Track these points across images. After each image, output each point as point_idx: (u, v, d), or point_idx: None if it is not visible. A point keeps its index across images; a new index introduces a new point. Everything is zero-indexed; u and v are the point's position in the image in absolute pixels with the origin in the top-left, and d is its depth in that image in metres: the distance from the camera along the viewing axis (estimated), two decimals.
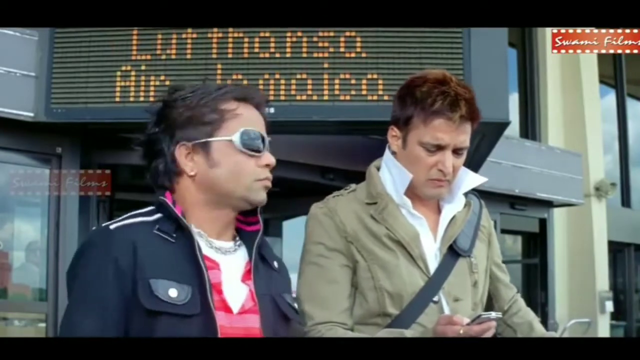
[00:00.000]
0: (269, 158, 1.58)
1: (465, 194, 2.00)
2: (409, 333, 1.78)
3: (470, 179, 1.96)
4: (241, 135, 1.55)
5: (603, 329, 8.77)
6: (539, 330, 2.03)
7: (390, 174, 1.94)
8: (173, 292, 1.43)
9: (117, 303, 1.42)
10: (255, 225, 1.63)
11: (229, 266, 1.56)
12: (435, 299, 1.84)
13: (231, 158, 1.55)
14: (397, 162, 1.93)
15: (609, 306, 8.86)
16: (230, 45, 4.04)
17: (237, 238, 1.62)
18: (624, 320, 10.23)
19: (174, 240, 1.49)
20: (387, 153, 1.98)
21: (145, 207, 1.57)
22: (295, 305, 1.68)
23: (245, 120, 1.57)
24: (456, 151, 1.87)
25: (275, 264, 1.67)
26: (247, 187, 1.56)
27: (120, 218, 1.52)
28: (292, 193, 5.69)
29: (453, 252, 1.90)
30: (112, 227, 1.49)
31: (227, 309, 1.50)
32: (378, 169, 2.00)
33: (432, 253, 1.88)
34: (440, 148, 1.85)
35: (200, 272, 1.47)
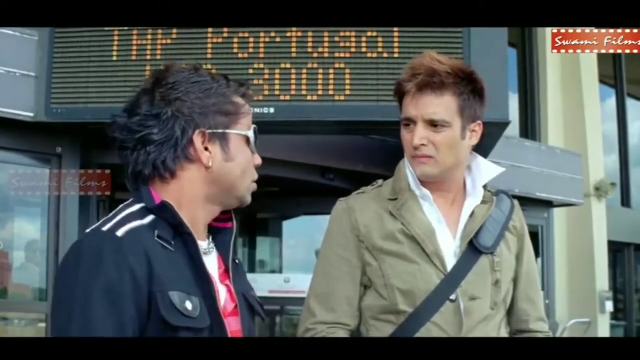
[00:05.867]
0: (259, 158, 1.53)
1: (497, 193, 1.98)
2: None
3: (490, 170, 1.94)
4: (254, 132, 1.51)
5: (603, 329, 8.76)
6: None
7: (410, 169, 1.93)
8: (189, 305, 1.35)
9: (133, 313, 1.32)
10: (228, 222, 1.55)
11: (212, 269, 1.48)
12: (453, 297, 1.81)
13: (244, 154, 1.49)
14: None
15: (609, 306, 8.85)
16: (230, 45, 4.04)
17: (210, 236, 1.54)
18: (624, 320, 10.23)
19: (173, 249, 1.39)
20: None
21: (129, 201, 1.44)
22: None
23: (251, 119, 1.52)
24: (430, 125, 1.84)
25: (237, 260, 1.58)
26: (247, 187, 1.51)
27: (115, 220, 1.39)
28: (292, 193, 5.69)
29: (474, 250, 1.86)
30: (118, 234, 1.35)
31: (225, 315, 1.44)
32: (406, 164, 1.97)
33: (450, 251, 1.86)
34: (410, 123, 1.86)
35: (205, 281, 1.40)
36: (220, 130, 1.46)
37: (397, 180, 1.94)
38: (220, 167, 1.46)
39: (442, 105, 1.83)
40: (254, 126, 1.51)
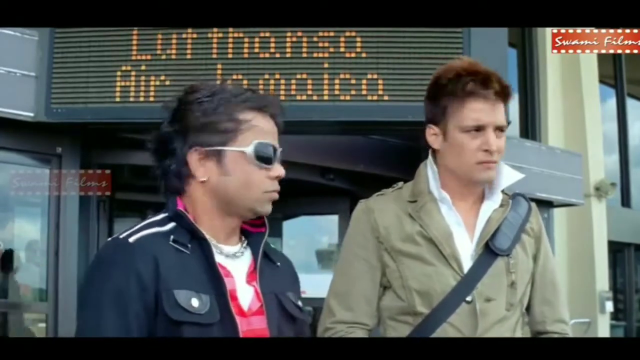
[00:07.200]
0: (279, 170, 1.59)
1: (514, 195, 2.01)
2: None
3: (509, 175, 1.97)
4: (255, 147, 1.56)
5: (603, 329, 8.76)
6: None
7: (432, 171, 1.96)
8: (195, 302, 1.45)
9: (141, 316, 1.43)
10: (261, 227, 1.65)
11: (237, 270, 1.57)
12: (469, 299, 1.83)
13: (243, 169, 1.55)
14: (430, 158, 1.96)
15: (609, 306, 8.84)
16: (230, 45, 4.04)
17: (244, 240, 1.64)
18: (624, 320, 10.22)
19: (189, 252, 1.50)
20: (430, 153, 2.00)
21: (150, 209, 1.59)
22: (299, 303, 1.67)
23: (260, 132, 1.57)
24: (497, 130, 1.88)
25: (279, 263, 1.69)
26: (255, 199, 1.57)
27: (134, 228, 1.53)
28: (292, 193, 5.67)
29: (490, 252, 1.88)
30: (130, 240, 1.49)
31: (243, 313, 1.52)
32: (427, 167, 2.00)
33: (467, 253, 1.88)
34: (480, 129, 1.87)
35: (218, 281, 1.49)
36: (215, 148, 1.55)
37: (417, 183, 1.97)
38: (217, 181, 1.56)
39: (504, 112, 1.91)
40: (258, 141, 1.56)
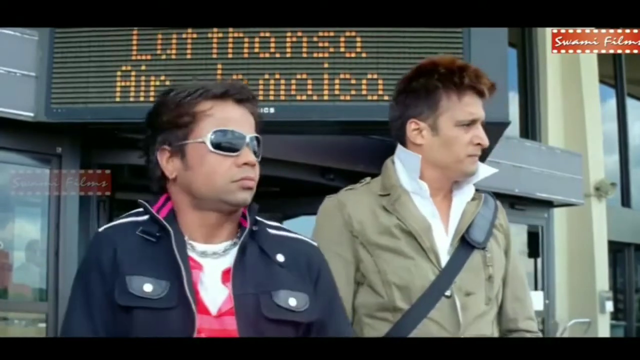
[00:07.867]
0: (246, 156, 1.54)
1: (482, 192, 2.00)
2: None
3: (483, 169, 1.96)
4: (213, 136, 1.53)
5: (603, 329, 8.76)
6: None
7: (403, 165, 1.94)
8: (148, 287, 1.45)
9: (103, 303, 1.47)
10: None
11: (214, 268, 1.54)
12: (448, 293, 1.81)
13: (204, 160, 1.53)
14: (405, 149, 1.93)
15: (609, 306, 8.85)
16: (230, 45, 4.04)
17: (239, 236, 1.57)
18: (624, 320, 10.23)
19: (155, 240, 1.52)
20: (398, 146, 1.98)
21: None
22: (292, 302, 1.54)
23: (220, 120, 1.55)
24: (482, 124, 1.90)
25: (280, 257, 1.58)
26: (222, 189, 1.53)
27: (116, 218, 1.61)
28: (292, 193, 5.68)
29: (466, 245, 1.88)
30: (100, 230, 1.57)
31: (205, 311, 1.48)
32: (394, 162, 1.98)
33: (444, 246, 1.86)
34: (473, 123, 1.88)
35: (178, 269, 1.47)
36: (178, 144, 1.56)
37: (386, 177, 1.95)
38: (183, 176, 1.56)
39: None
40: (217, 129, 1.54)
